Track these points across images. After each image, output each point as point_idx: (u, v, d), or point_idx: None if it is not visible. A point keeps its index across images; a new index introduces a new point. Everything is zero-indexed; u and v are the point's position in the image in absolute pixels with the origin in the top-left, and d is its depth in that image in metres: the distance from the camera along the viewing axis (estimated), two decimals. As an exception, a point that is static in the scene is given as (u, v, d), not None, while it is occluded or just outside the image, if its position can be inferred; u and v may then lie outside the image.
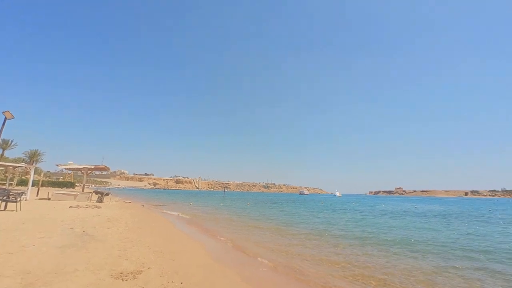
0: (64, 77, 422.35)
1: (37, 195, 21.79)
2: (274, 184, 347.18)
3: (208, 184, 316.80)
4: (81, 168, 25.59)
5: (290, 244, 9.95)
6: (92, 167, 25.60)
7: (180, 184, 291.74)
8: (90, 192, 22.61)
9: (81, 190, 27.34)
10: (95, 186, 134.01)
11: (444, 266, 7.47)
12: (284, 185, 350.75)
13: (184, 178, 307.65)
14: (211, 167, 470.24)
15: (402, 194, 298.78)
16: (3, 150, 49.67)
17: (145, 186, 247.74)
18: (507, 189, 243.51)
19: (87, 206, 15.64)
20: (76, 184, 45.88)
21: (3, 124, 15.89)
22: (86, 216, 11.82)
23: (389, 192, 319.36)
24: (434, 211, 32.32)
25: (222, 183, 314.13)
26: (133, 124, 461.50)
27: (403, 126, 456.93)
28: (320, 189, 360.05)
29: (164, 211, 22.39)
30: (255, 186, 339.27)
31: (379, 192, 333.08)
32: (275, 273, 6.36)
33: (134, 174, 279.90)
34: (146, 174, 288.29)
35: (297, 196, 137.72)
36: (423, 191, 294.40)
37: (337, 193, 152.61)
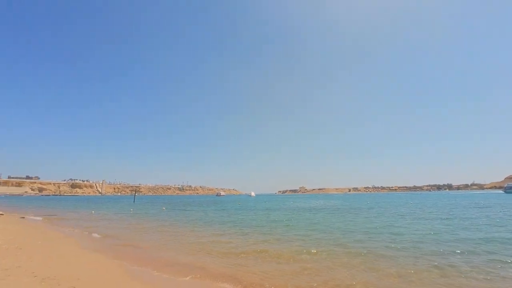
0: None
1: None
2: (190, 186, 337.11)
3: (114, 188, 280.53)
4: None
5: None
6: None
7: (77, 189, 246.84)
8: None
9: None
10: None
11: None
12: (200, 187, 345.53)
13: (83, 181, 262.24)
14: (119, 169, 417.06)
15: (304, 192, 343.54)
16: None
17: (26, 192, 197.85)
18: (376, 185, 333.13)
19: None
20: None
21: None
22: None
23: (295, 190, 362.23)
24: (334, 207, 39.45)
25: (132, 186, 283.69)
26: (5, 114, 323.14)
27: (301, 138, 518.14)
28: (236, 190, 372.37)
29: (57, 223, 18.73)
30: (169, 189, 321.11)
31: (286, 191, 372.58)
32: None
33: (9, 177, 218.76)
34: (28, 178, 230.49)
35: (214, 197, 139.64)
36: (320, 189, 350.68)
37: (252, 193, 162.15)
